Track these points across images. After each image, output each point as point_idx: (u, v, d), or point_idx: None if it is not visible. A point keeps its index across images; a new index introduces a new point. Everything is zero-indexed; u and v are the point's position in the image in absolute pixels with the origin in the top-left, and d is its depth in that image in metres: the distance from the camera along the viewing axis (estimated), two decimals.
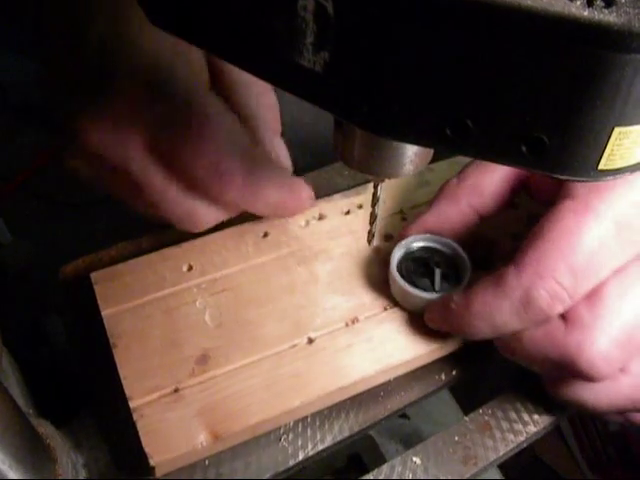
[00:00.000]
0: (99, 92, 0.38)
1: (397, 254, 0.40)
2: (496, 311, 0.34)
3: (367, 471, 0.38)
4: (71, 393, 0.42)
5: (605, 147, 0.21)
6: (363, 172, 0.31)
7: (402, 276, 0.39)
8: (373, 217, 0.38)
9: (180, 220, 0.40)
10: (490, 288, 0.34)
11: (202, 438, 0.34)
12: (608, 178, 0.22)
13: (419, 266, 0.40)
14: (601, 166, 0.21)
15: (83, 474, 0.37)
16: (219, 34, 0.25)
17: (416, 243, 0.41)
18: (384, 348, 0.38)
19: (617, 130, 0.20)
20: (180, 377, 0.37)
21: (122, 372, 0.37)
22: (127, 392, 0.36)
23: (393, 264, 0.40)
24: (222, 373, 0.37)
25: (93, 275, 0.41)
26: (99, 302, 0.40)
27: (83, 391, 0.41)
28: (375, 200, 0.36)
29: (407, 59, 0.21)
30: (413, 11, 0.20)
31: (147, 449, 0.34)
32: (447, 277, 0.40)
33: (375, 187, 0.35)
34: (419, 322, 0.39)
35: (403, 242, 0.41)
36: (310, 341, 0.38)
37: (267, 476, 0.37)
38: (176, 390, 0.36)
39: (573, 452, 1.04)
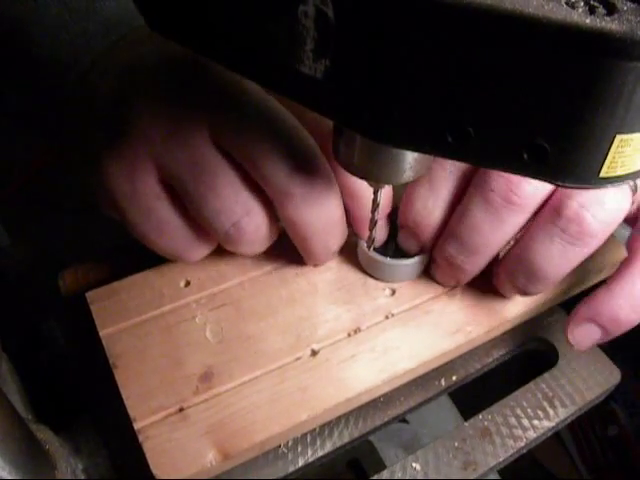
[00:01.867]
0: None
1: None
2: None
3: (366, 476, 0.38)
4: (70, 398, 0.42)
5: (607, 154, 0.21)
6: (363, 178, 0.31)
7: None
8: (372, 223, 0.37)
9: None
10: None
11: (211, 457, 0.34)
12: (609, 185, 0.22)
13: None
14: (602, 173, 0.22)
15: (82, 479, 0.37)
16: (219, 40, 0.25)
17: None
18: (388, 357, 0.38)
19: (619, 138, 0.20)
20: (184, 396, 0.36)
21: (124, 393, 0.36)
22: (131, 413, 0.35)
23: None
24: (227, 390, 0.36)
25: (89, 294, 0.40)
26: (96, 322, 0.39)
27: (82, 396, 0.41)
28: (375, 206, 0.36)
29: (408, 66, 0.21)
30: (414, 18, 0.20)
31: (156, 471, 0.33)
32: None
33: (375, 193, 0.35)
34: (421, 329, 0.39)
35: None
36: (314, 353, 0.38)
37: None
38: (181, 409, 0.35)
39: (572, 456, 1.04)
